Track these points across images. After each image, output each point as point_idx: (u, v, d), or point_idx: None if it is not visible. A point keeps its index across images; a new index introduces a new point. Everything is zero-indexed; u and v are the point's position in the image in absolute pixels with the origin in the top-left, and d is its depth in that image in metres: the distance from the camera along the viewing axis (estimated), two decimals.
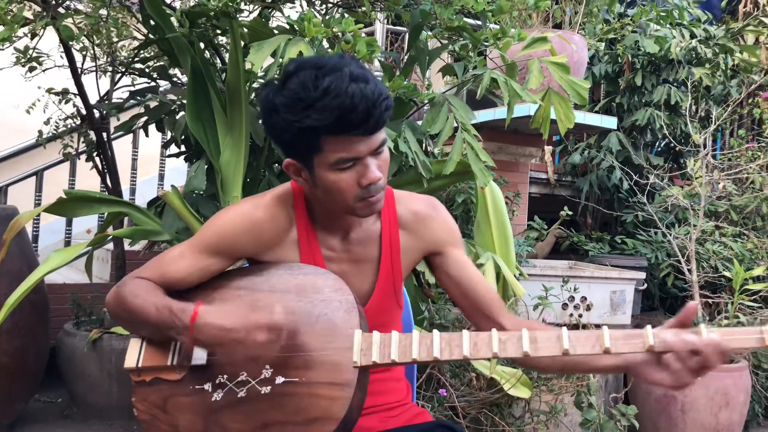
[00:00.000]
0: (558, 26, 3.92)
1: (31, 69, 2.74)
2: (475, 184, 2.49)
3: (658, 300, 4.20)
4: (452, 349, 1.11)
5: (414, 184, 2.41)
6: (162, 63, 2.87)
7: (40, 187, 4.12)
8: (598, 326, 2.95)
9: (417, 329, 1.83)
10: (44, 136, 3.46)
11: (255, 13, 2.66)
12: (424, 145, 2.73)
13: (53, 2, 2.50)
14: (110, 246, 3.83)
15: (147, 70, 2.93)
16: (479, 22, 2.50)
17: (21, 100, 3.45)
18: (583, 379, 2.57)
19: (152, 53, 2.98)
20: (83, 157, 3.50)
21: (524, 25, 3.75)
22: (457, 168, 2.33)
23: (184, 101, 2.42)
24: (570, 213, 3.84)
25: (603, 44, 4.41)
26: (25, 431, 2.98)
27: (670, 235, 3.64)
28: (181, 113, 2.60)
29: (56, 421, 3.12)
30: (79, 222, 4.26)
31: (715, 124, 3.93)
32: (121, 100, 2.97)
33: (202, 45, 2.49)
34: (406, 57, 2.63)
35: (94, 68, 3.43)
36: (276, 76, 1.98)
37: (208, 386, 1.17)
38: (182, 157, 2.77)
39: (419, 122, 2.53)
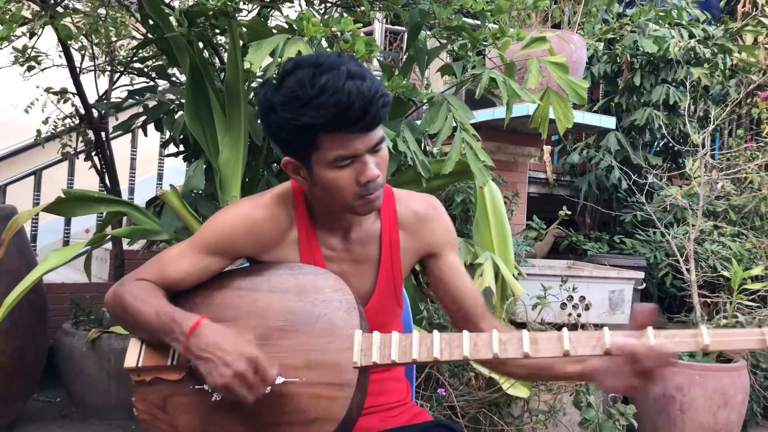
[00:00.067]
0: (557, 26, 3.92)
1: (30, 68, 2.74)
2: (474, 183, 2.49)
3: (657, 300, 4.20)
4: (452, 350, 1.11)
5: (413, 183, 2.41)
6: (161, 62, 2.87)
7: (38, 186, 4.12)
8: (596, 326, 2.96)
9: (416, 329, 1.83)
10: (43, 136, 3.45)
11: (254, 13, 2.66)
12: (422, 144, 2.73)
13: (52, 1, 2.50)
14: (109, 245, 3.83)
15: (146, 70, 2.93)
16: (478, 22, 2.50)
17: (19, 99, 3.44)
18: None
19: (151, 53, 2.98)
20: (82, 156, 3.49)
21: (523, 24, 3.75)
22: (456, 167, 2.33)
23: (183, 101, 2.42)
24: (569, 213, 3.84)
25: (602, 44, 4.42)
26: (23, 431, 2.97)
27: (669, 234, 3.64)
28: (180, 113, 2.60)
29: (55, 421, 3.11)
30: (77, 221, 4.26)
31: (713, 123, 3.93)
32: (120, 100, 2.97)
33: (200, 44, 2.49)
34: (404, 56, 2.63)
35: (92, 67, 3.43)
36: (275, 75, 1.98)
37: (208, 386, 1.17)
38: (181, 156, 2.76)
39: (418, 122, 2.53)
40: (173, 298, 1.23)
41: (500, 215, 2.57)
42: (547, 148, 4.68)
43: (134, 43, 3.16)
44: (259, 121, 2.44)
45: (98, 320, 3.21)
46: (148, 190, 4.43)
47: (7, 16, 2.28)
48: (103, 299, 1.28)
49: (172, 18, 2.28)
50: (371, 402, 1.27)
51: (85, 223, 4.61)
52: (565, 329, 1.10)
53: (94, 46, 3.29)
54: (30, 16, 2.46)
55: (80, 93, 3.17)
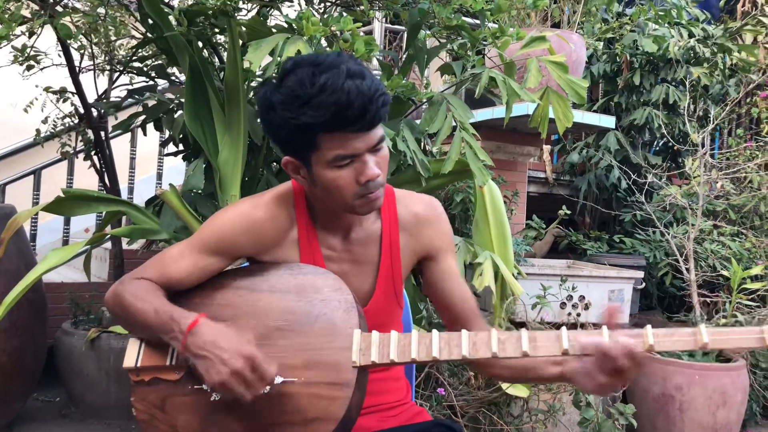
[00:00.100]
0: (556, 25, 3.92)
1: (29, 67, 2.73)
2: (474, 183, 2.49)
3: (657, 299, 4.20)
4: (451, 349, 1.11)
5: (412, 183, 2.41)
6: (160, 62, 2.86)
7: (38, 185, 4.12)
8: (596, 325, 2.96)
9: (416, 328, 1.83)
10: (42, 135, 3.45)
11: (253, 12, 2.66)
12: (422, 144, 2.73)
13: (51, 0, 2.49)
14: (108, 245, 3.82)
15: (145, 69, 2.93)
16: (478, 21, 2.50)
17: (19, 98, 3.44)
18: None
19: (150, 52, 2.98)
20: (81, 155, 3.49)
21: (523, 24, 3.75)
22: (456, 167, 2.33)
23: (183, 100, 2.42)
24: (568, 212, 3.84)
25: (601, 43, 4.41)
26: (23, 430, 2.97)
27: (669, 234, 3.64)
28: (180, 112, 2.60)
29: (54, 421, 3.11)
30: (77, 221, 4.25)
31: (713, 123, 3.93)
32: (119, 99, 2.97)
33: (200, 44, 2.49)
34: (404, 56, 2.63)
35: (92, 67, 3.43)
36: (274, 74, 1.98)
37: (207, 386, 1.17)
38: (180, 155, 2.76)
39: (418, 121, 2.53)
40: (173, 297, 1.23)
41: (500, 215, 2.57)
42: (546, 148, 4.68)
43: (133, 42, 3.16)
44: (258, 121, 2.44)
45: (98, 320, 3.21)
46: (147, 189, 4.43)
47: (7, 15, 2.27)
48: (103, 299, 1.28)
49: (171, 17, 2.28)
50: (370, 401, 1.27)
51: (84, 223, 4.61)
52: (564, 328, 1.10)
53: (93, 46, 3.29)
54: (29, 15, 2.46)
55: (79, 92, 3.17)
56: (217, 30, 2.54)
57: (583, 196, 4.55)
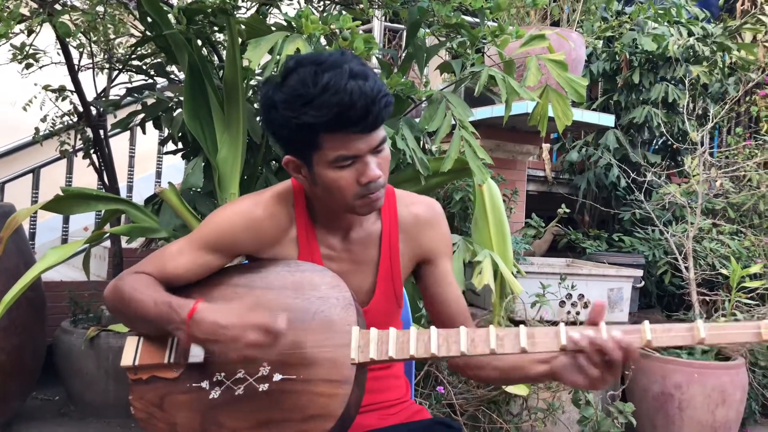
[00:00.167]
0: (556, 24, 3.93)
1: (28, 66, 2.73)
2: (473, 181, 2.48)
3: (656, 298, 4.20)
4: (449, 346, 1.11)
5: (411, 181, 2.41)
6: (159, 60, 2.86)
7: (36, 184, 4.12)
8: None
9: (415, 326, 1.83)
10: (41, 134, 3.45)
11: (252, 10, 2.66)
12: (421, 142, 2.73)
13: None
14: (107, 243, 3.83)
15: (144, 67, 2.92)
16: (477, 20, 2.49)
17: (17, 97, 3.44)
18: None
19: (149, 50, 2.97)
20: (80, 154, 3.49)
21: (522, 22, 3.75)
22: (455, 165, 2.33)
23: (182, 98, 2.42)
24: (567, 211, 3.84)
25: (601, 42, 4.42)
26: (22, 429, 2.97)
27: (668, 232, 3.64)
28: (179, 110, 2.60)
29: (53, 419, 3.11)
30: (76, 219, 4.26)
31: (712, 121, 3.93)
32: (118, 98, 2.96)
33: (199, 42, 2.49)
34: (403, 54, 2.63)
35: (91, 65, 3.42)
36: (274, 72, 1.98)
37: (205, 384, 1.17)
38: (179, 154, 2.76)
39: (417, 119, 2.53)
40: (171, 293, 1.22)
41: (499, 213, 2.57)
42: (546, 146, 4.68)
43: (133, 40, 3.16)
44: (257, 119, 2.44)
45: (97, 318, 3.21)
46: (146, 187, 4.44)
47: (5, 14, 2.27)
48: (102, 295, 1.28)
49: (170, 15, 2.28)
50: (370, 399, 1.27)
51: (83, 221, 4.61)
52: (561, 324, 1.10)
53: (92, 44, 3.29)
54: (28, 14, 2.46)
55: (78, 91, 3.17)
56: (216, 28, 2.54)
57: (582, 195, 4.55)
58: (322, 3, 2.91)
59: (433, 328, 1.14)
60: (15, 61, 2.71)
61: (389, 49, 4.52)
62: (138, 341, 1.23)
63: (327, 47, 2.38)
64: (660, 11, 4.42)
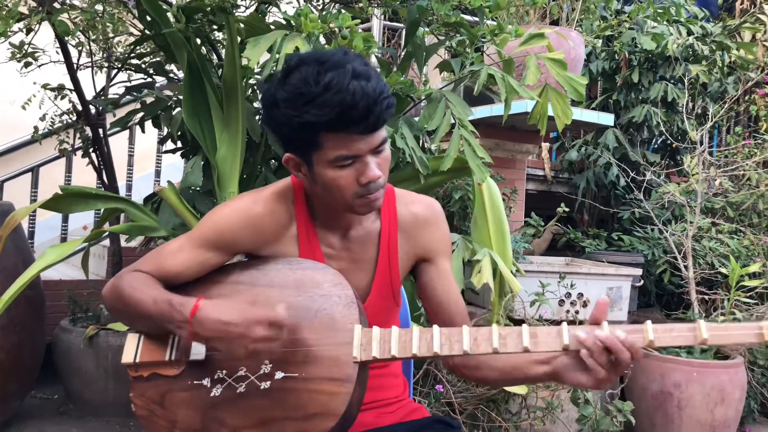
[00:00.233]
0: (555, 23, 3.93)
1: (27, 64, 2.73)
2: (472, 180, 2.48)
3: (655, 296, 4.21)
4: (452, 345, 1.11)
5: (411, 180, 2.41)
6: (158, 59, 2.86)
7: (35, 183, 4.11)
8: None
9: (414, 325, 1.82)
10: (40, 132, 3.45)
11: (251, 9, 2.66)
12: (421, 141, 2.73)
13: None
14: (106, 242, 3.82)
15: (143, 66, 2.92)
16: (476, 19, 2.49)
17: (16, 95, 3.43)
18: None
19: (148, 49, 2.97)
20: (79, 153, 3.49)
21: (521, 21, 3.75)
22: (454, 164, 2.33)
23: (181, 97, 2.41)
24: (567, 210, 3.84)
25: (600, 41, 4.42)
26: (21, 428, 2.97)
27: (667, 231, 3.65)
28: (178, 109, 2.60)
29: (52, 418, 3.11)
30: (75, 218, 4.25)
31: (711, 121, 3.94)
32: (117, 96, 2.96)
33: (198, 41, 2.49)
34: (403, 53, 2.62)
35: (90, 64, 3.42)
36: (273, 71, 1.97)
37: (206, 381, 1.17)
38: (178, 153, 2.76)
39: (416, 118, 2.53)
40: (171, 292, 1.22)
41: (498, 212, 2.57)
42: (545, 145, 4.68)
43: (132, 39, 3.15)
44: (257, 118, 2.44)
45: (96, 317, 3.21)
46: (145, 186, 4.44)
47: (4, 12, 2.27)
48: (101, 294, 1.27)
49: (169, 14, 2.28)
50: (368, 397, 1.27)
51: (82, 220, 4.60)
52: (564, 323, 1.10)
53: (91, 43, 3.28)
54: (27, 12, 2.46)
55: (77, 89, 3.16)
56: (215, 27, 2.54)
57: (581, 194, 4.55)
58: (321, 1, 2.90)
59: (435, 326, 1.14)
60: (14, 60, 2.70)
61: (388, 47, 4.52)
62: (139, 338, 1.23)
63: (326, 46, 2.38)
64: (659, 10, 4.42)
